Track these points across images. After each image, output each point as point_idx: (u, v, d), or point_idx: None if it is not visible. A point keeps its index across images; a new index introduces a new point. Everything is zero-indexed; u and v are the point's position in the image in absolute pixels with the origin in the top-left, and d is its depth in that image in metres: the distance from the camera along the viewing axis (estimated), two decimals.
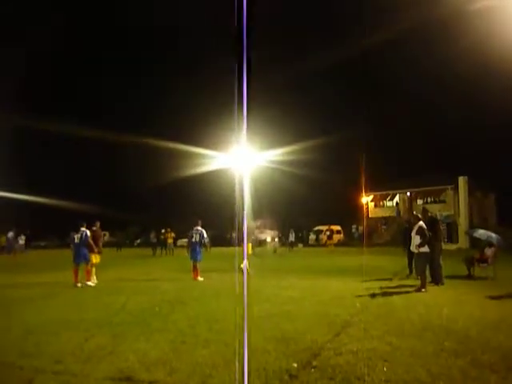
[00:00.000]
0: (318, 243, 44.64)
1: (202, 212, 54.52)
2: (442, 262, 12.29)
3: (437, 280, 12.09)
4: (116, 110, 72.41)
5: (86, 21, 71.22)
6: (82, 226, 13.55)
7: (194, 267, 14.27)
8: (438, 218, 13.53)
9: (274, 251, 33.07)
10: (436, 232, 12.45)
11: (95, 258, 13.72)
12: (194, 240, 14.45)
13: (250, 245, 15.42)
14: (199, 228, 14.62)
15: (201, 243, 14.57)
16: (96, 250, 13.68)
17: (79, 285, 12.88)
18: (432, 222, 12.66)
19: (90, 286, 12.97)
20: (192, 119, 75.92)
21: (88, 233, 13.49)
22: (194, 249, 14.40)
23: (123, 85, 75.76)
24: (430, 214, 13.18)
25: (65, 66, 74.86)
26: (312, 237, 47.19)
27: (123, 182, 59.46)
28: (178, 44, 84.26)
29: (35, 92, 68.17)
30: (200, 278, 14.05)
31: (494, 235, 14.25)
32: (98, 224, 14.68)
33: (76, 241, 13.35)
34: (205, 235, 14.67)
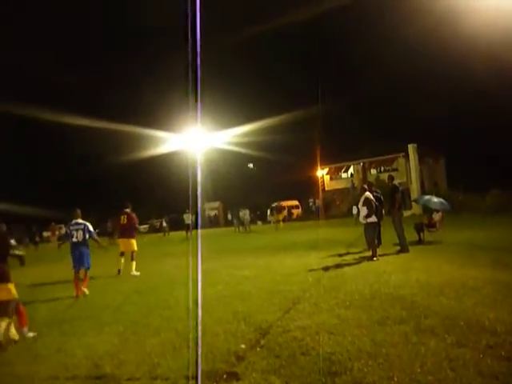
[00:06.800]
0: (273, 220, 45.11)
1: (159, 196, 54.08)
2: (404, 229, 12.35)
3: (402, 249, 12.18)
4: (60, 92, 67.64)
5: None
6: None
7: (84, 277, 10.11)
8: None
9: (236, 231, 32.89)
10: (395, 200, 12.53)
11: None
12: (75, 240, 10.04)
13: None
14: (80, 221, 10.24)
15: (85, 242, 10.18)
16: None
17: None
18: (392, 191, 12.81)
19: None
20: (144, 101, 74.45)
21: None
22: (78, 252, 10.05)
23: (69, 65, 72.00)
24: (393, 183, 13.27)
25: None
26: (270, 215, 47.31)
27: (72, 170, 57.59)
28: (128, 24, 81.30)
29: None
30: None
31: (436, 200, 14.58)
32: None
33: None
34: (90, 228, 10.23)
